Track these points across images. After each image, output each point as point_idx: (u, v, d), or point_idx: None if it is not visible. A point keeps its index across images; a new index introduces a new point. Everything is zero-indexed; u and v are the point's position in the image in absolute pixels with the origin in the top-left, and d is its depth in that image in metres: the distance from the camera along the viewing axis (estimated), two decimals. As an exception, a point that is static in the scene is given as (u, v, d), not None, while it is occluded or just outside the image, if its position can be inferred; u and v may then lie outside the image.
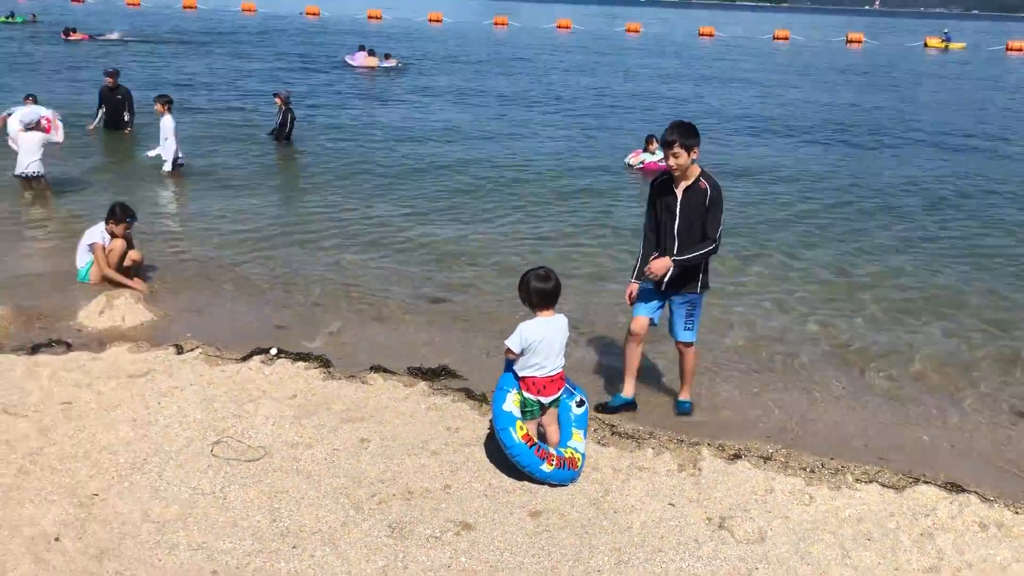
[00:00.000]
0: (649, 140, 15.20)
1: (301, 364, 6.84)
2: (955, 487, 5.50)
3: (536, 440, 5.16)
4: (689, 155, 5.83)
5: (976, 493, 5.43)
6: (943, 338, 8.25)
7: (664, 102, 25.90)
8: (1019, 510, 5.27)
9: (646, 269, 5.99)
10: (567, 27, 71.46)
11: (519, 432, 5.08)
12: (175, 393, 6.04)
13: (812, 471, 5.63)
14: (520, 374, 5.21)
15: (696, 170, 5.95)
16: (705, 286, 6.21)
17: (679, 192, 5.96)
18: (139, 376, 6.33)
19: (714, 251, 6.04)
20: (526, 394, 5.22)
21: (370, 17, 68.97)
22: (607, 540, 4.49)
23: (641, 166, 14.96)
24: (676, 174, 5.93)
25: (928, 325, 8.56)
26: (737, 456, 5.76)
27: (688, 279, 6.10)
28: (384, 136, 17.98)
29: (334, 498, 4.72)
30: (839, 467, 5.73)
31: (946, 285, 9.79)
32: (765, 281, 9.67)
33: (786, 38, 68.83)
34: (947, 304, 9.16)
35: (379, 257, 10.06)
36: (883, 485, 5.48)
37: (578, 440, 5.35)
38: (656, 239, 6.18)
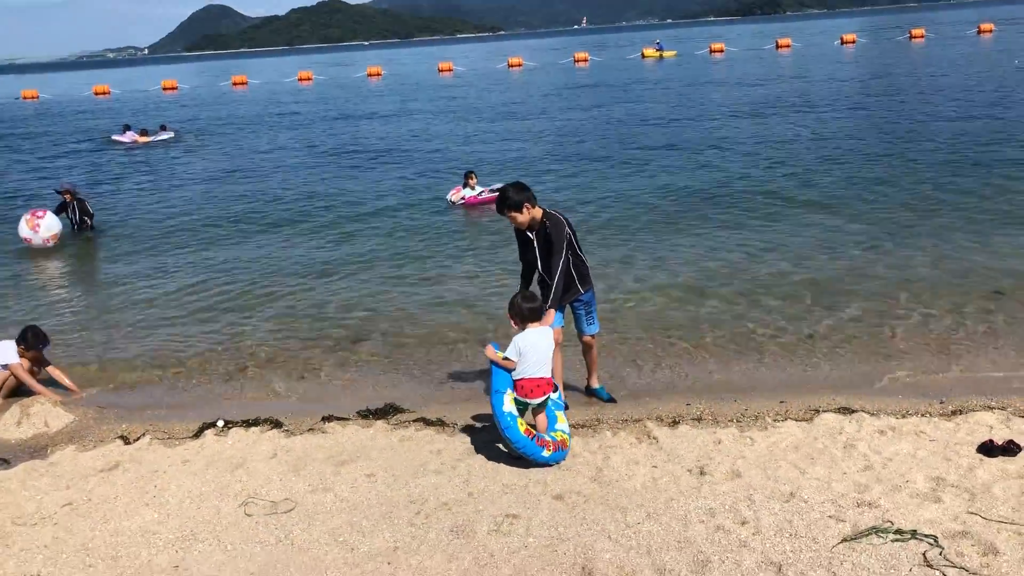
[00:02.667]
0: (468, 176, 16.19)
1: (255, 429, 7.12)
2: (847, 410, 6.83)
3: (536, 432, 6.02)
4: (525, 212, 6.67)
5: (863, 411, 6.79)
6: (784, 307, 9.81)
7: (450, 139, 27.11)
8: (899, 416, 6.67)
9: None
10: (308, 78, 71.80)
11: (521, 428, 5.95)
12: (162, 475, 6.20)
13: (739, 420, 6.77)
14: (515, 378, 6.07)
15: (539, 214, 6.76)
16: (591, 285, 7.14)
17: (533, 236, 6.85)
18: (111, 469, 6.40)
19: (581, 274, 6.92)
20: (517, 396, 6.05)
21: (165, 88, 68.30)
22: (627, 501, 5.33)
23: (463, 201, 15.89)
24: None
25: (767, 300, 10.13)
26: (676, 422, 6.79)
27: (581, 284, 7.03)
28: (202, 200, 17.80)
29: (388, 522, 5.22)
30: (756, 414, 6.92)
31: (771, 269, 11.51)
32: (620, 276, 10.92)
33: (519, 64, 72.81)
34: (774, 284, 10.83)
35: (266, 315, 10.35)
36: (796, 420, 6.71)
37: (563, 422, 6.23)
38: (529, 274, 7.10)
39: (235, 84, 70.35)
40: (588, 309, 7.13)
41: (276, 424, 7.22)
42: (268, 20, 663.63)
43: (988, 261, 10.63)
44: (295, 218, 16.16)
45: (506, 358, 6.14)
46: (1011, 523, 4.75)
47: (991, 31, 70.78)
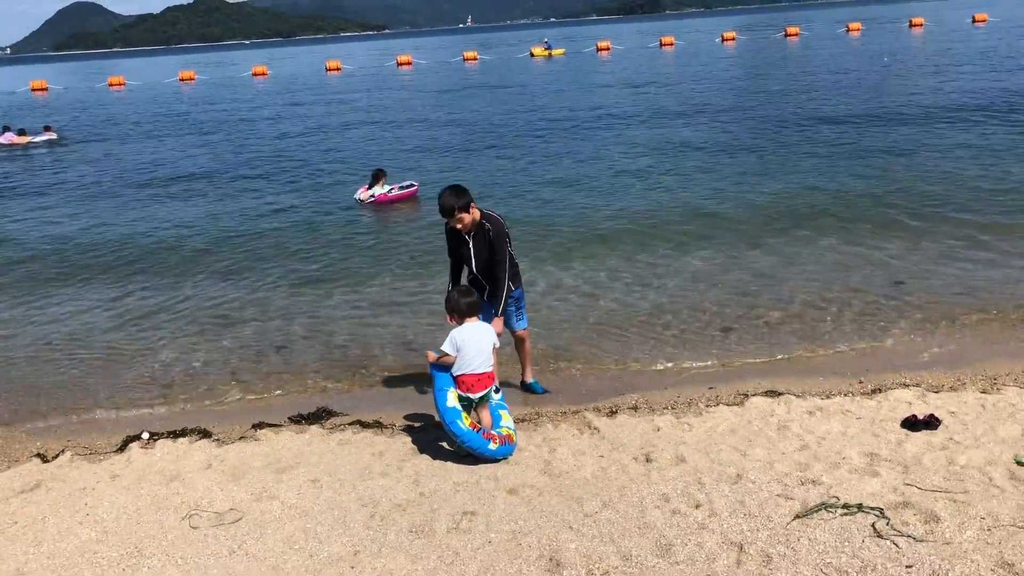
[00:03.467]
0: (376, 174, 16.01)
1: (183, 440, 6.88)
2: (773, 392, 7.09)
3: (480, 427, 6.01)
4: (470, 213, 6.71)
5: (789, 393, 7.05)
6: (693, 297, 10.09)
7: (342, 137, 26.72)
8: (824, 396, 6.96)
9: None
10: (191, 78, 69.61)
11: (466, 422, 5.94)
12: (91, 493, 5.91)
13: (673, 408, 6.93)
14: (455, 374, 6.06)
15: (477, 215, 6.80)
16: (520, 282, 7.20)
17: (469, 238, 6.87)
18: (32, 490, 6.06)
19: (512, 271, 6.95)
20: (460, 392, 6.05)
21: (35, 89, 65.19)
22: (581, 491, 5.38)
23: (373, 199, 15.70)
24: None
25: (683, 294, 10.39)
26: (614, 412, 6.90)
27: (508, 282, 7.05)
28: (96, 216, 17.00)
29: (343, 526, 5.12)
30: (688, 400, 7.11)
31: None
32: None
33: (409, 63, 72.31)
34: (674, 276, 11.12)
35: (179, 324, 9.97)
36: (727, 404, 6.92)
37: (507, 419, 6.24)
38: (458, 270, 7.13)
39: (112, 85, 67.42)
40: (518, 305, 7.17)
41: (205, 434, 6.99)
42: (142, 18, 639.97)
43: (885, 252, 11.16)
44: (201, 223, 15.60)
45: (444, 353, 6.12)
46: (945, 491, 5.02)
47: (859, 30, 74.37)
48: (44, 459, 6.70)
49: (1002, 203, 13.03)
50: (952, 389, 6.96)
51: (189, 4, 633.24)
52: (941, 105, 23.81)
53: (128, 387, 8.39)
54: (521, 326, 7.28)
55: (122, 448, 6.82)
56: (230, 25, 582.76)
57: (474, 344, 6.11)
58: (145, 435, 7.03)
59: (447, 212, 6.66)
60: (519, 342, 7.46)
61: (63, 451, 6.82)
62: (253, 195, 17.97)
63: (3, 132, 30.04)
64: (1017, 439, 5.81)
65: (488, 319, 6.62)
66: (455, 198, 6.61)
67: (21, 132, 30.12)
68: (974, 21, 71.36)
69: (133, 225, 15.62)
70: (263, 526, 5.21)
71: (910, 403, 6.63)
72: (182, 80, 69.07)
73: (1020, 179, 14.47)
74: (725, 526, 4.79)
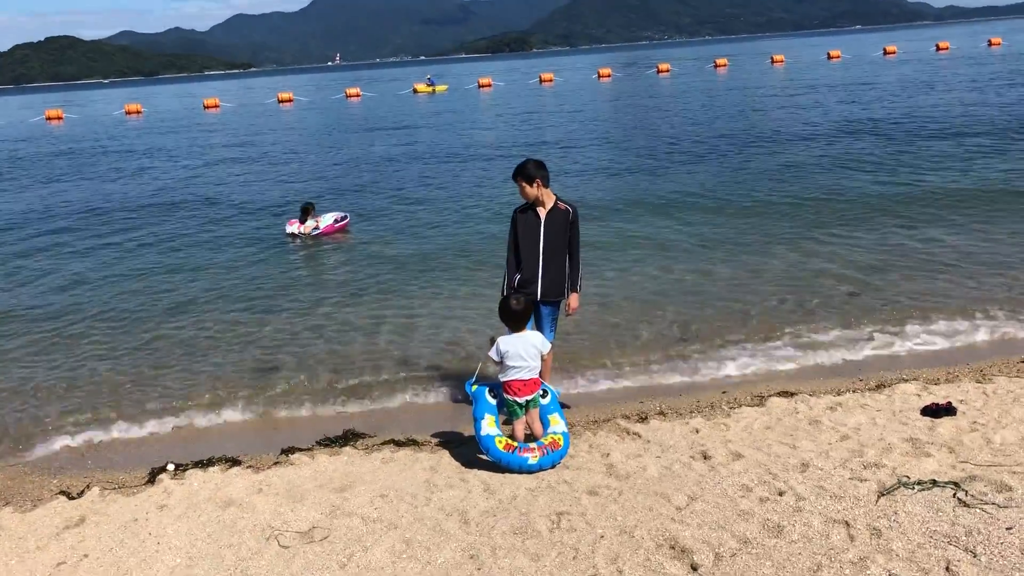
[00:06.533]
0: (306, 208, 15.85)
1: (213, 469, 6.69)
2: (788, 393, 7.48)
3: (517, 444, 6.11)
4: (535, 187, 6.91)
5: (803, 392, 7.46)
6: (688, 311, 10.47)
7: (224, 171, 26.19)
8: (835, 394, 7.39)
9: (569, 312, 7.20)
10: (58, 117, 66.66)
11: (501, 444, 6.08)
12: (146, 523, 5.68)
13: (699, 411, 7.21)
14: (502, 379, 6.27)
15: (549, 197, 7.10)
16: (565, 291, 7.41)
17: (542, 219, 7.11)
18: (78, 525, 5.77)
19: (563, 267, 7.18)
20: (507, 396, 6.27)
21: None
22: (660, 488, 5.55)
23: (318, 231, 15.50)
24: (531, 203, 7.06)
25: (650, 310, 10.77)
26: (644, 418, 7.13)
27: (558, 289, 7.28)
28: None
29: (443, 534, 5.10)
30: (710, 404, 7.41)
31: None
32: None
33: (290, 100, 71.43)
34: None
35: (165, 357, 9.62)
36: (749, 405, 7.25)
37: (556, 424, 6.38)
38: (515, 271, 7.25)
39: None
40: (555, 316, 7.32)
41: (234, 462, 6.83)
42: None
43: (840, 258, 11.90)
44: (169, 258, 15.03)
45: (490, 359, 6.36)
46: (1001, 465, 5.46)
47: (725, 65, 78.38)
48: (69, 496, 6.38)
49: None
50: (948, 381, 7.52)
51: (40, 42, 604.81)
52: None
53: (131, 419, 8.05)
54: (552, 339, 7.42)
55: (151, 480, 6.58)
56: (86, 64, 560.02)
57: (519, 351, 6.22)
58: (171, 466, 6.81)
59: (518, 172, 6.93)
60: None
61: (88, 487, 6.52)
62: (181, 238, 17.43)
63: None
64: (1033, 419, 6.35)
65: (542, 325, 6.86)
66: (533, 166, 6.90)
67: None
68: (829, 57, 76.46)
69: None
70: (358, 540, 5.15)
71: (918, 395, 7.13)
72: (49, 119, 66.02)
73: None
74: (820, 507, 5.07)
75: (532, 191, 6.96)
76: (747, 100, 39.95)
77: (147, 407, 8.35)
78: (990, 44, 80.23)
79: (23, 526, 5.87)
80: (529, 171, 6.92)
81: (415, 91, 73.72)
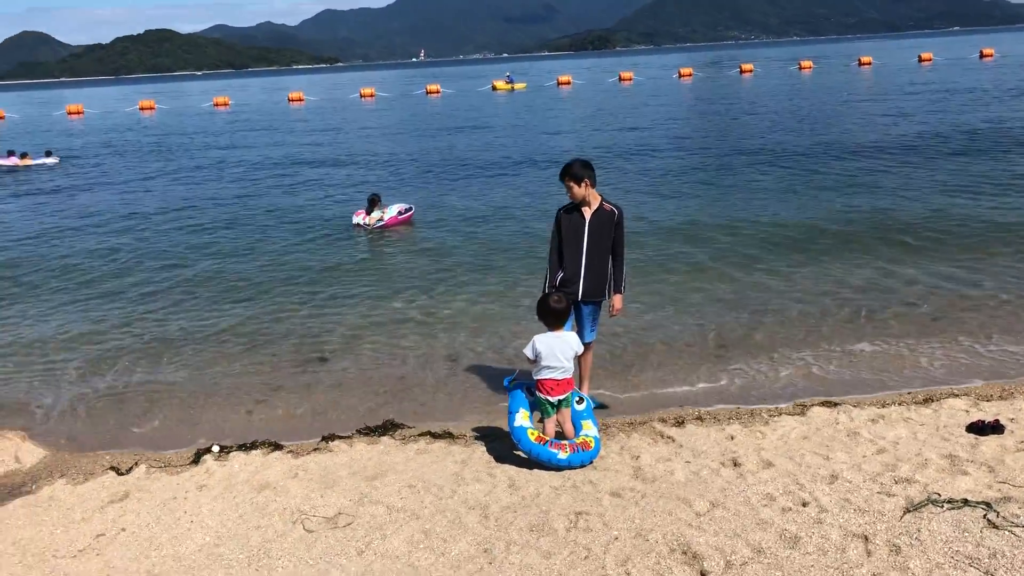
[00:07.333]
0: (373, 199, 16.15)
1: (256, 452, 6.90)
2: (831, 403, 7.34)
3: (548, 439, 6.18)
4: (583, 187, 6.96)
5: (847, 403, 7.30)
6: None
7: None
8: (880, 406, 7.22)
9: (612, 313, 7.22)
10: (151, 107, 68.99)
11: (532, 436, 6.17)
12: (183, 501, 5.92)
13: (737, 418, 7.13)
14: (536, 377, 6.31)
15: (596, 197, 7.12)
16: (607, 292, 7.42)
17: (587, 216, 7.11)
18: (122, 500, 6.04)
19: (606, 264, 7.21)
20: (539, 395, 6.32)
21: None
22: (684, 493, 5.53)
23: (382, 223, 15.81)
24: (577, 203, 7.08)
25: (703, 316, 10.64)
26: (681, 422, 7.09)
27: (599, 290, 7.29)
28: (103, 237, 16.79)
29: (460, 527, 5.20)
30: (751, 411, 7.32)
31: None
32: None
33: (372, 95, 72.57)
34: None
35: (217, 343, 9.95)
36: (790, 415, 7.14)
37: (588, 428, 6.40)
38: (557, 268, 7.27)
39: (71, 113, 66.69)
40: (596, 315, 7.33)
41: (276, 446, 7.03)
42: (91, 48, 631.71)
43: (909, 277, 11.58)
44: (222, 245, 15.55)
45: (526, 356, 6.41)
46: (1039, 487, 5.28)
47: (810, 68, 76.70)
48: (118, 472, 6.67)
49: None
50: (1002, 398, 7.27)
51: (139, 35, 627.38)
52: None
53: (166, 404, 8.35)
54: (592, 337, 7.43)
55: (196, 461, 6.82)
56: (181, 56, 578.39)
57: (554, 351, 6.26)
58: (216, 447, 7.05)
59: (565, 172, 6.94)
60: (583, 353, 7.58)
61: (136, 464, 6.80)
62: (253, 225, 17.94)
63: (7, 156, 30.96)
64: (1083, 441, 6.10)
65: (582, 324, 7.04)
66: (580, 166, 6.91)
67: (24, 155, 31.06)
68: (920, 60, 74.17)
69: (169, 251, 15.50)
70: (379, 528, 5.27)
71: (967, 411, 6.91)
72: (142, 109, 68.46)
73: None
74: (841, 520, 4.98)
75: (580, 191, 6.98)
76: (823, 105, 38.95)
77: (203, 391, 8.64)
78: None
79: (73, 497, 6.17)
80: (576, 171, 6.94)
81: (494, 88, 74.13)
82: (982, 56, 76.91)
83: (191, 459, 6.89)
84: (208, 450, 7.02)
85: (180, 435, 7.64)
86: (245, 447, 7.04)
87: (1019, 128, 25.49)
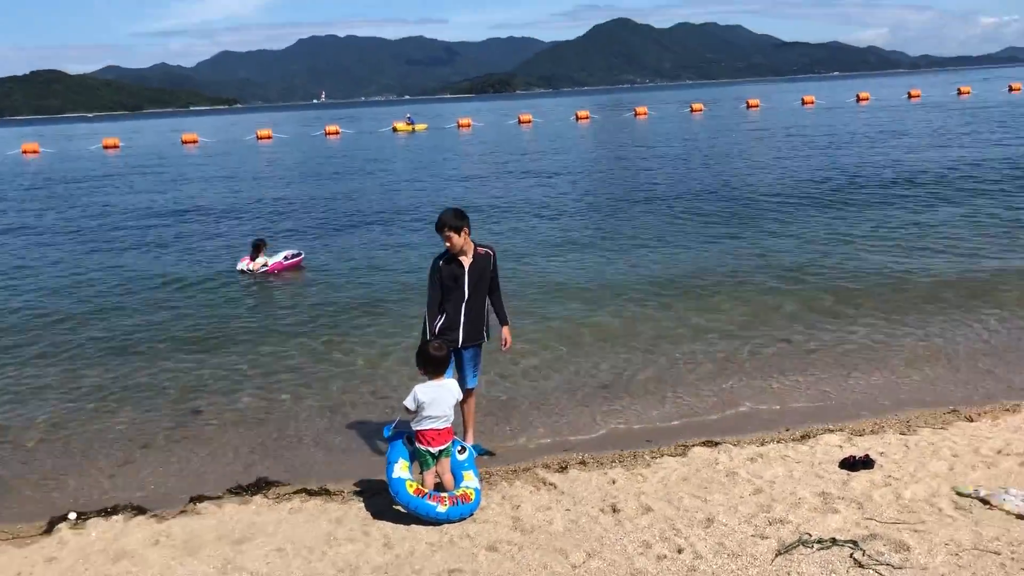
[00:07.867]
0: (258, 245, 15.75)
1: (117, 518, 6.48)
2: (712, 443, 7.38)
3: (427, 491, 5.99)
4: (463, 236, 6.92)
5: (727, 443, 7.35)
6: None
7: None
8: (759, 444, 7.30)
9: (504, 349, 7.25)
10: (34, 151, 66.36)
11: (411, 489, 5.99)
12: (29, 577, 5.49)
13: (620, 461, 7.08)
14: (415, 428, 6.13)
15: (469, 243, 7.04)
16: (485, 333, 7.32)
17: (465, 265, 7.02)
18: (-41, 577, 5.57)
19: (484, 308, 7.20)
20: (420, 446, 6.14)
21: None
22: (560, 544, 5.42)
23: (266, 268, 15.39)
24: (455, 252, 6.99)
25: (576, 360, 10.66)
26: (564, 467, 7.00)
27: (479, 333, 7.19)
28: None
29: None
30: (633, 453, 7.29)
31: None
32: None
33: (269, 136, 71.45)
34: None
35: (91, 397, 9.39)
36: (671, 455, 7.14)
37: (469, 479, 6.24)
38: (437, 313, 7.13)
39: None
40: (477, 360, 7.21)
41: (139, 510, 6.62)
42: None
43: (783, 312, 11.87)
44: (83, 301, 14.82)
45: (405, 408, 6.19)
46: (904, 523, 5.36)
47: (701, 110, 79.41)
48: (-38, 546, 6.16)
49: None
50: (873, 432, 7.44)
51: (25, 75, 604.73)
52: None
53: (41, 464, 7.83)
54: (475, 383, 7.30)
55: (48, 530, 6.36)
56: (71, 97, 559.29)
57: (436, 401, 6.14)
58: (72, 515, 6.58)
59: (443, 224, 6.81)
60: (466, 399, 7.43)
61: (-19, 536, 6.30)
62: (133, 273, 17.23)
63: None
64: (947, 473, 6.28)
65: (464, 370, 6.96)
66: (453, 217, 6.82)
67: None
68: (803, 103, 77.61)
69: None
70: (247, 598, 4.97)
71: (840, 446, 7.05)
72: (24, 153, 65.73)
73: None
74: (714, 567, 4.94)
75: (459, 240, 6.90)
76: (711, 147, 40.25)
77: (64, 453, 8.12)
78: (959, 93, 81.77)
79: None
80: (454, 222, 6.85)
81: (395, 130, 73.96)
82: (858, 100, 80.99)
83: (43, 529, 6.42)
84: (64, 518, 6.55)
85: (34, 503, 7.12)
86: (106, 512, 6.60)
87: (889, 169, 26.77)
